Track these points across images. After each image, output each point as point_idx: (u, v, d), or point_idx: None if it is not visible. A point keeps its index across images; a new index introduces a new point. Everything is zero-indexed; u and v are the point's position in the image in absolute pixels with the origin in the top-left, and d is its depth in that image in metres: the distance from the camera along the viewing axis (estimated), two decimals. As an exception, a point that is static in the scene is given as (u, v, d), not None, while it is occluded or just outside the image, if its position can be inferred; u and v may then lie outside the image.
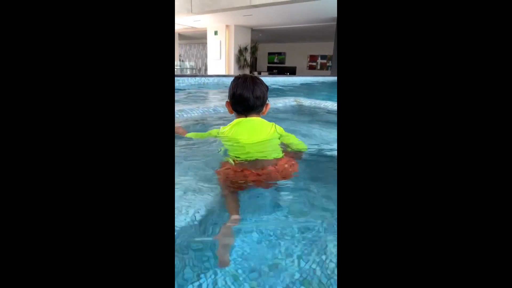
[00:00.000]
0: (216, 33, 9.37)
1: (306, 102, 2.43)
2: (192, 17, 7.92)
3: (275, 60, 14.21)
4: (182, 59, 12.93)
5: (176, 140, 1.13)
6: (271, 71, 13.34)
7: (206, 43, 10.03)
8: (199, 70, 13.44)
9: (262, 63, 14.24)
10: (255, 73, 11.45)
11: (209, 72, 10.04)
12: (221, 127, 1.06)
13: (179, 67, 10.52)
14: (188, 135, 1.17)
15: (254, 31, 9.74)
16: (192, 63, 12.26)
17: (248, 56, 9.70)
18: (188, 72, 10.83)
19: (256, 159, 0.95)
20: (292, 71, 12.98)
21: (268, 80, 5.75)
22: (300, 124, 1.75)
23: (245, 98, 0.97)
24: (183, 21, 8.66)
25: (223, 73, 9.38)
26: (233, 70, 9.41)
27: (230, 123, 1.03)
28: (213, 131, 1.09)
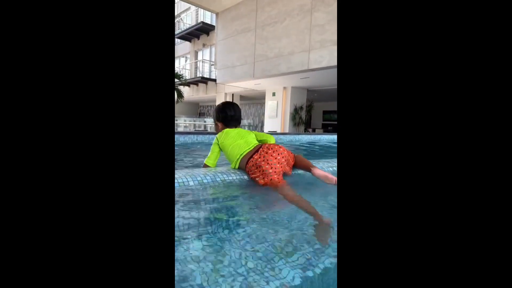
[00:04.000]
0: (274, 94, 10.12)
1: None
2: (253, 81, 8.81)
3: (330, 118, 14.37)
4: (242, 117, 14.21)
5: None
6: (326, 128, 13.42)
7: (264, 103, 10.83)
8: (256, 127, 14.41)
9: (317, 120, 14.50)
10: (310, 130, 11.65)
11: (265, 129, 10.59)
12: (215, 137, 1.53)
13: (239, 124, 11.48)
14: (207, 162, 1.54)
15: (310, 91, 10.24)
16: (250, 121, 13.38)
17: (303, 115, 10.05)
18: (246, 129, 11.69)
19: (268, 142, 1.53)
20: (347, 128, 12.78)
21: (326, 137, 5.76)
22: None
23: (237, 116, 1.63)
24: (245, 85, 9.67)
25: (278, 129, 9.79)
26: (288, 127, 9.77)
27: (221, 133, 1.52)
28: (214, 147, 1.54)
